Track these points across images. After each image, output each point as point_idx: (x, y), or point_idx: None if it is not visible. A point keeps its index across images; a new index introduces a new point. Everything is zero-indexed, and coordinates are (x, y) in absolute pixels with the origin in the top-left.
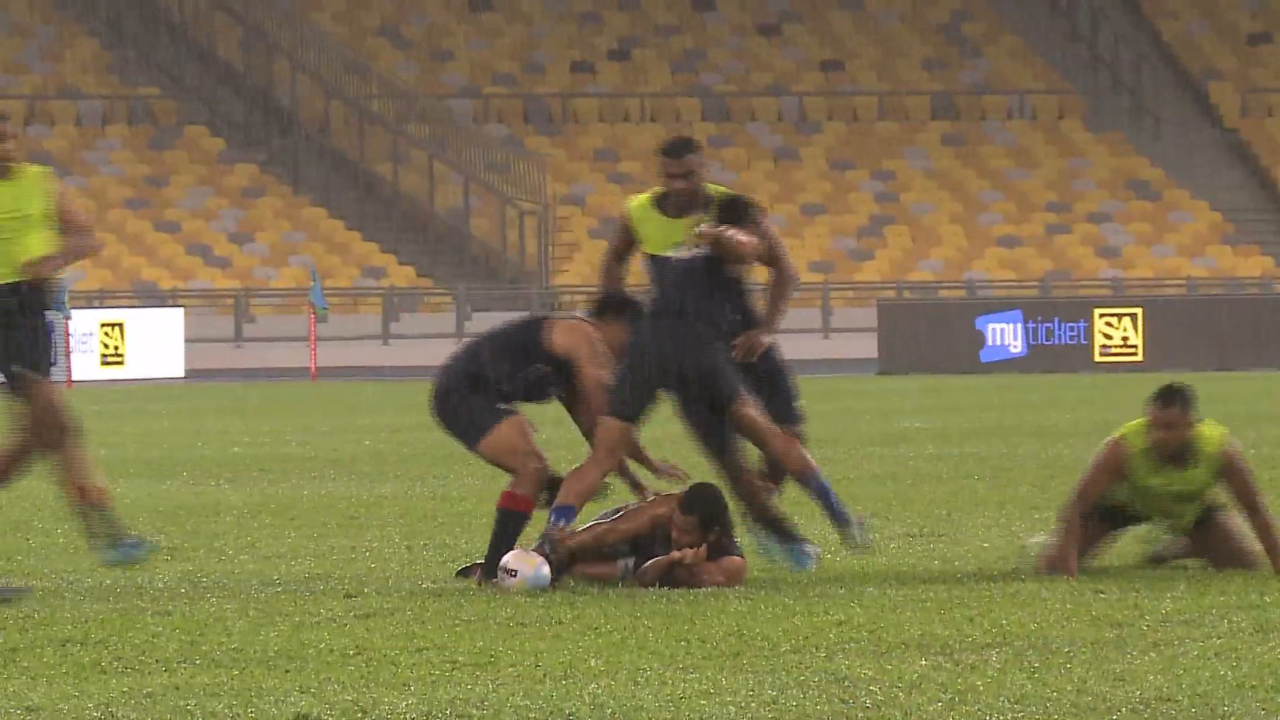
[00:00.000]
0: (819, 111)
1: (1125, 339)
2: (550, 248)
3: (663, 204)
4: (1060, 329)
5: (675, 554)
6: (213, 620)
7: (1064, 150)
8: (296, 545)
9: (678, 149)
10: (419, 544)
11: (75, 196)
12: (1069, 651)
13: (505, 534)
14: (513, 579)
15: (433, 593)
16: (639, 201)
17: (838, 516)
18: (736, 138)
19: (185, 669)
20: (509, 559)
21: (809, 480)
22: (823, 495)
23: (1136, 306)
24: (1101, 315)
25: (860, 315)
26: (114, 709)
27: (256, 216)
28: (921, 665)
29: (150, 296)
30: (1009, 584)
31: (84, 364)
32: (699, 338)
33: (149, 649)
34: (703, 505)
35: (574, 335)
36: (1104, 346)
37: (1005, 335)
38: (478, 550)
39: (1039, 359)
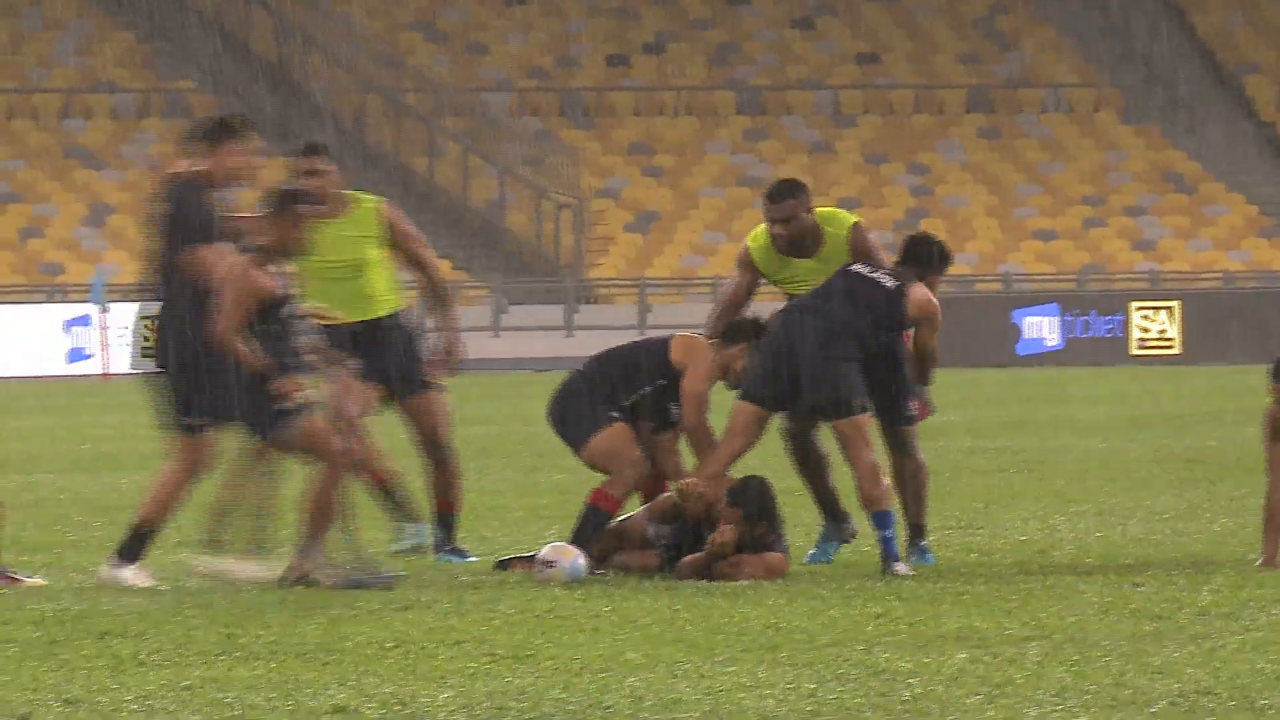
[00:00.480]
0: (854, 105)
1: (1162, 332)
2: (585, 241)
3: (779, 248)
4: (1097, 322)
5: (711, 538)
6: (251, 613)
7: (1100, 143)
8: (334, 538)
9: (777, 193)
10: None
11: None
12: (1107, 645)
13: (585, 527)
14: (550, 570)
15: (471, 585)
16: (760, 245)
17: (891, 554)
18: (772, 131)
19: (224, 662)
20: (546, 551)
21: (882, 515)
22: (885, 528)
23: (1173, 299)
24: (1138, 308)
25: None
26: (152, 701)
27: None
28: (960, 658)
29: None
30: (1047, 577)
31: (122, 356)
32: (831, 340)
33: (187, 642)
34: (750, 497)
35: (691, 348)
36: (1141, 339)
37: (1041, 328)
38: (515, 543)
39: (1075, 352)
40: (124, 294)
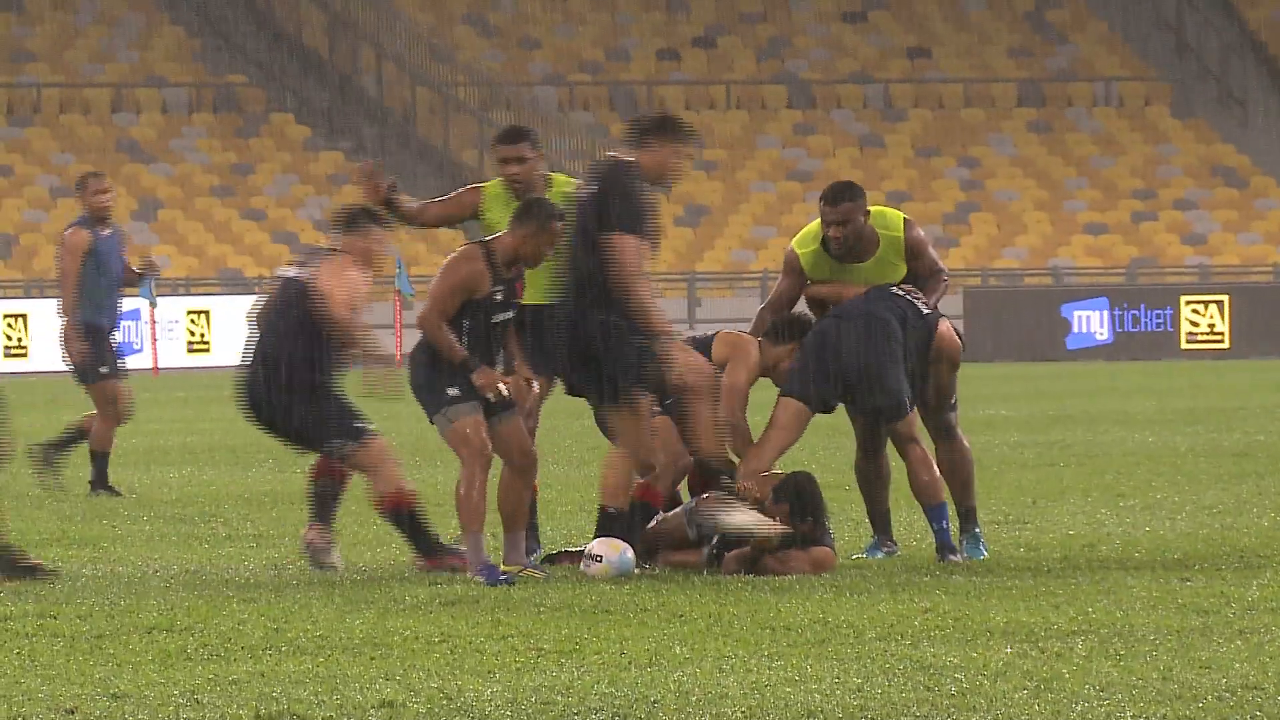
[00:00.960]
0: (905, 99)
1: (1212, 326)
2: None
3: (835, 252)
4: (1146, 316)
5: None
6: (298, 607)
7: (1150, 137)
8: (382, 533)
9: (834, 196)
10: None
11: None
12: (1154, 639)
13: (632, 522)
14: (598, 564)
15: (517, 580)
16: (808, 251)
17: (947, 545)
18: (822, 125)
19: (270, 656)
20: (594, 545)
21: (936, 508)
22: (940, 520)
23: (1223, 293)
24: (1188, 302)
25: (946, 302)
26: (199, 696)
27: (342, 204)
28: (1007, 653)
29: (236, 284)
30: (1094, 572)
31: (170, 351)
32: (878, 342)
33: (234, 636)
34: (795, 493)
35: (735, 344)
36: (1190, 334)
37: (1091, 322)
38: (563, 538)
39: (1125, 346)
40: (173, 288)
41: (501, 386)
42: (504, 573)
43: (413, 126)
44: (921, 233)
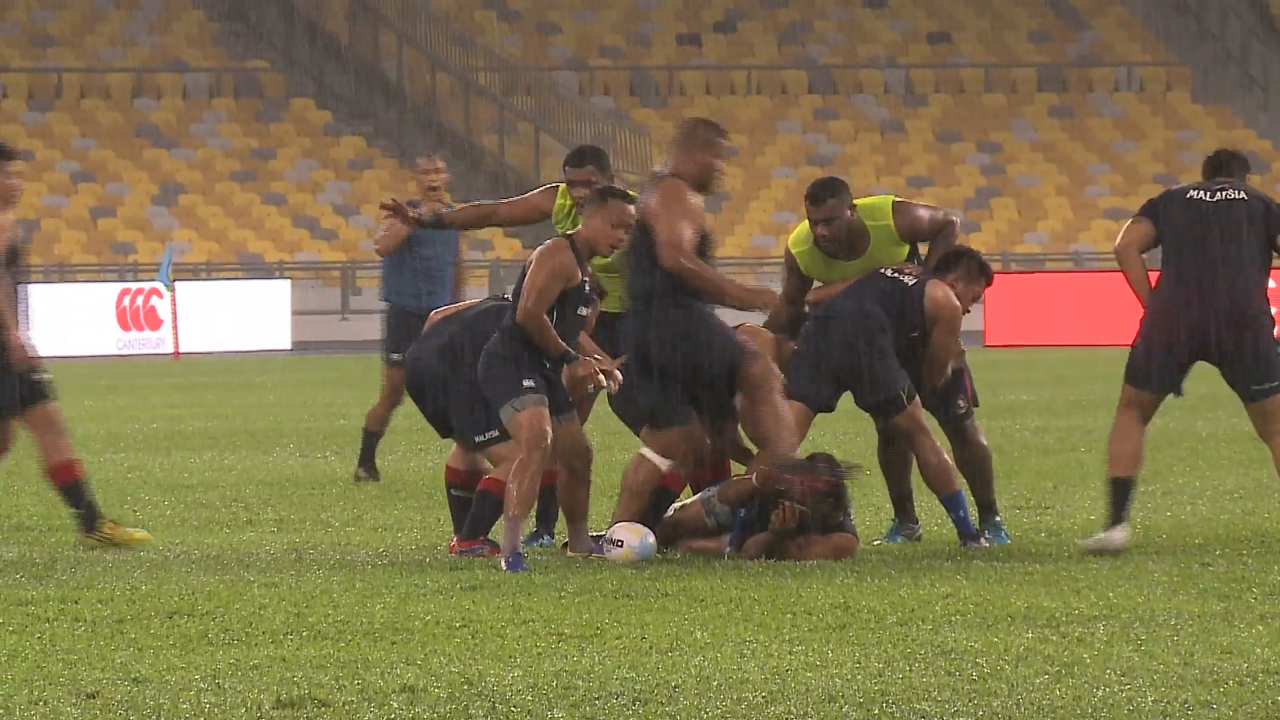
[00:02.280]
0: (926, 84)
1: None
2: None
3: (827, 249)
4: None
5: (775, 515)
6: (319, 592)
7: (1171, 123)
8: (403, 517)
9: (817, 195)
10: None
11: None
12: (1176, 624)
13: (656, 508)
14: (619, 549)
15: (538, 565)
16: (801, 248)
17: (969, 533)
18: (842, 110)
19: (291, 641)
20: (616, 530)
21: (952, 498)
22: (958, 509)
23: None
24: None
25: None
26: (220, 680)
27: (363, 189)
28: (1028, 638)
29: (257, 268)
30: (1115, 557)
31: (192, 335)
32: (867, 341)
33: (255, 621)
34: (820, 471)
35: (756, 336)
36: None
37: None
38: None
39: None
40: (194, 272)
41: (601, 376)
42: (526, 563)
43: (433, 111)
44: (912, 208)
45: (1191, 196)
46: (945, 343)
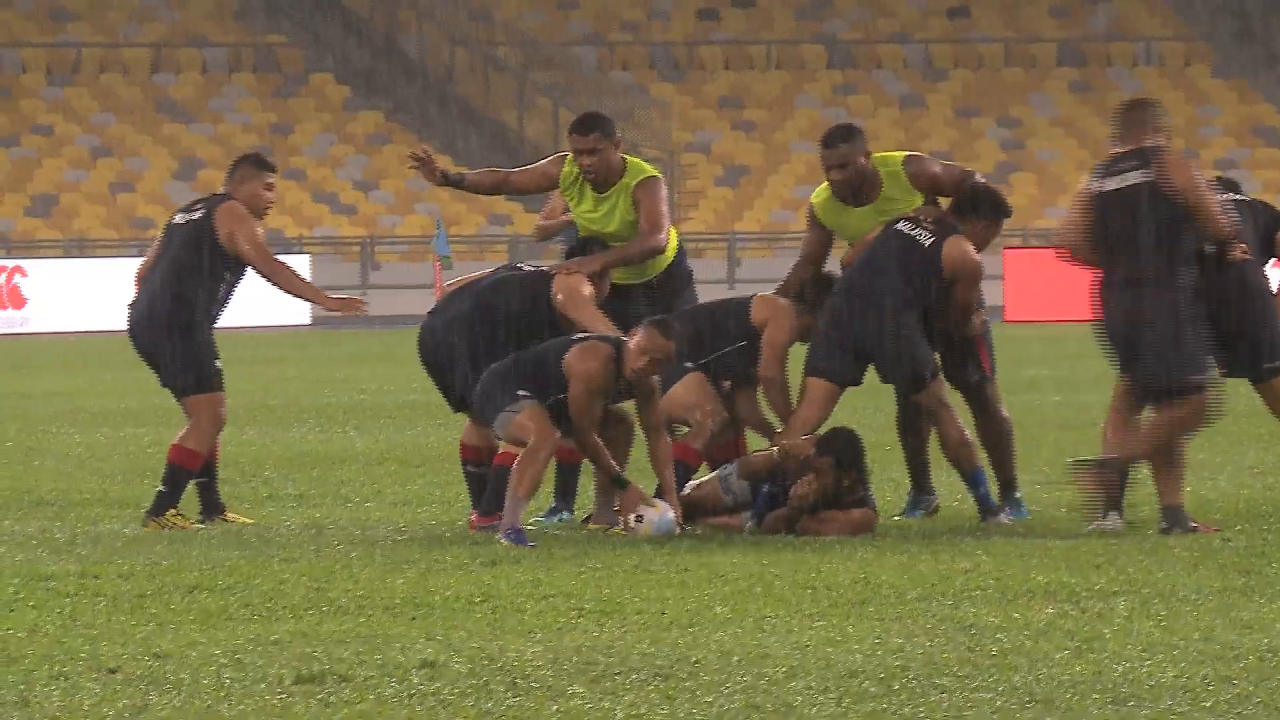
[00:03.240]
0: (945, 59)
1: None
2: (675, 195)
3: (839, 194)
4: None
5: (793, 490)
6: (339, 567)
7: (1191, 97)
8: (423, 492)
9: (830, 139)
10: (545, 491)
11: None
12: (1196, 599)
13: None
14: (640, 524)
15: (559, 540)
16: (821, 199)
17: (990, 508)
18: (862, 85)
19: (312, 616)
20: (638, 505)
21: (973, 474)
22: (979, 485)
23: None
24: None
25: (987, 262)
26: (240, 656)
27: (382, 164)
28: (1048, 613)
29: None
30: (1136, 532)
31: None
32: (889, 319)
33: (276, 596)
34: (840, 446)
35: (774, 306)
36: None
37: None
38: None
39: None
40: None
41: (630, 518)
42: (531, 538)
43: (452, 86)
44: (927, 161)
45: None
46: (968, 299)
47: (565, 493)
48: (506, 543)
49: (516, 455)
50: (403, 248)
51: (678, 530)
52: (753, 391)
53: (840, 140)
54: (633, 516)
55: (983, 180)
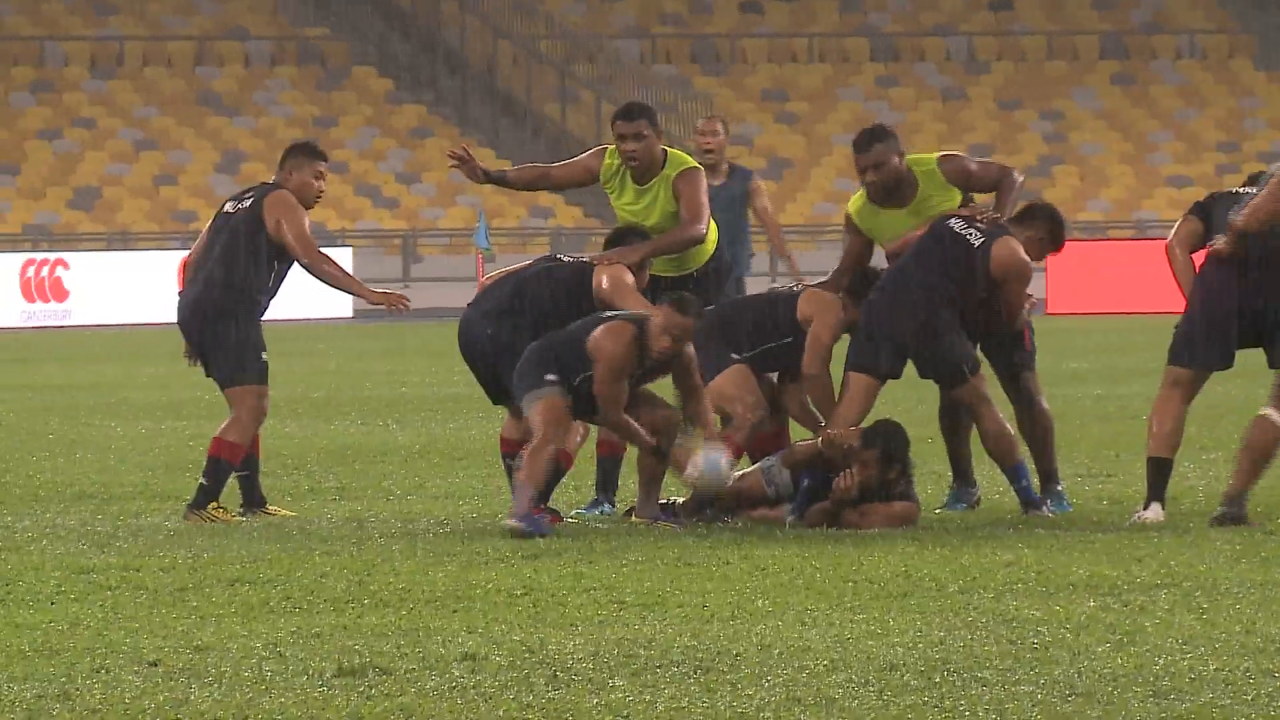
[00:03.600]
0: (988, 51)
1: None
2: None
3: (874, 197)
4: None
5: (835, 482)
6: (380, 560)
7: (1234, 90)
8: (464, 485)
9: (862, 141)
10: (586, 484)
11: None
12: (1238, 593)
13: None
14: (694, 471)
15: (600, 533)
16: (857, 204)
17: (1032, 501)
18: (904, 78)
19: (353, 609)
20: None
21: (1014, 469)
22: (1020, 479)
23: None
24: None
25: None
26: (281, 649)
27: (424, 157)
28: (1090, 606)
29: (319, 237)
30: (1177, 525)
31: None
32: (929, 315)
33: (317, 589)
34: (885, 439)
35: (820, 301)
36: None
37: None
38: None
39: None
40: None
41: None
42: (543, 526)
43: (495, 79)
44: (963, 158)
45: (1235, 192)
46: (1016, 300)
47: (607, 485)
48: (519, 528)
49: (615, 443)
50: (444, 240)
51: (727, 470)
52: (799, 385)
53: (874, 141)
54: (689, 462)
55: (1048, 206)
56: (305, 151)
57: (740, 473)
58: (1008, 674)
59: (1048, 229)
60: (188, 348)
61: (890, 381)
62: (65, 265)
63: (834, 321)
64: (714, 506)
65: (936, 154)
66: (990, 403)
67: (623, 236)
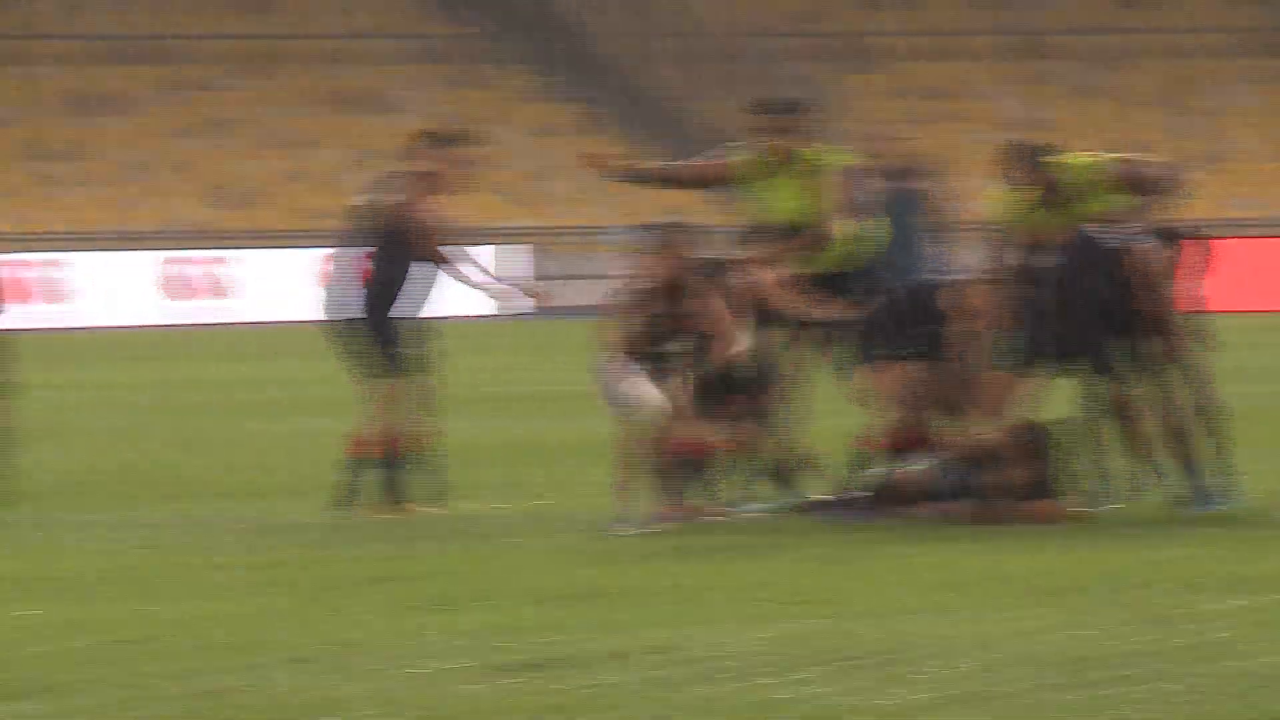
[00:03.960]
0: (1125, 49)
1: None
2: None
3: (1028, 200)
4: None
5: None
6: (526, 557)
7: None
8: (606, 481)
9: (1019, 152)
10: (752, 479)
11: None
12: None
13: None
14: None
15: (746, 530)
16: (1007, 200)
17: (1198, 497)
18: (1038, 76)
19: (498, 606)
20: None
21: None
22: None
23: None
24: None
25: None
26: (428, 646)
27: (562, 155)
28: (1240, 604)
29: (458, 234)
30: None
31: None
32: (1081, 319)
33: (463, 586)
34: (1028, 439)
35: (976, 294)
36: None
37: None
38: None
39: None
40: None
41: None
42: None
43: (636, 77)
44: (1125, 159)
45: None
46: (1161, 291)
47: (780, 481)
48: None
49: (687, 442)
50: (581, 239)
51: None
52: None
53: (1032, 154)
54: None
55: (1208, 238)
56: (437, 138)
57: (901, 469)
58: (1158, 672)
59: (1190, 256)
60: (346, 344)
61: (1059, 381)
62: (215, 262)
63: (990, 315)
64: (874, 502)
65: (1094, 154)
66: (1142, 404)
67: (757, 236)
